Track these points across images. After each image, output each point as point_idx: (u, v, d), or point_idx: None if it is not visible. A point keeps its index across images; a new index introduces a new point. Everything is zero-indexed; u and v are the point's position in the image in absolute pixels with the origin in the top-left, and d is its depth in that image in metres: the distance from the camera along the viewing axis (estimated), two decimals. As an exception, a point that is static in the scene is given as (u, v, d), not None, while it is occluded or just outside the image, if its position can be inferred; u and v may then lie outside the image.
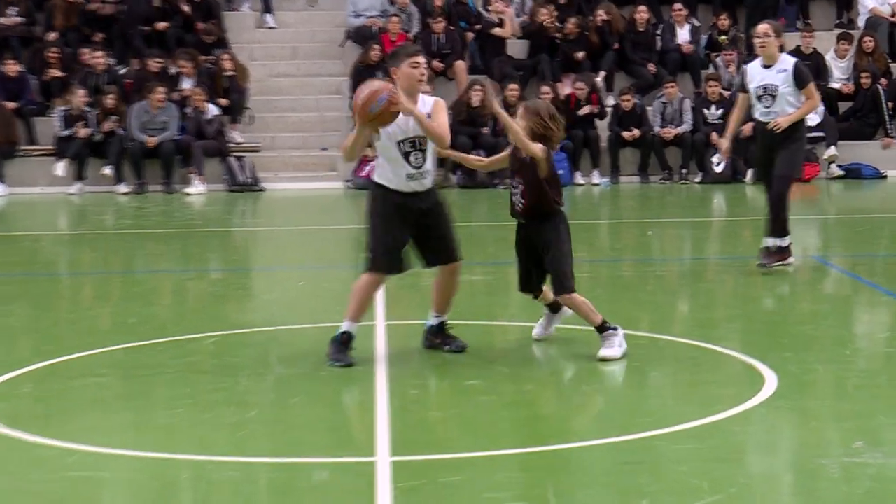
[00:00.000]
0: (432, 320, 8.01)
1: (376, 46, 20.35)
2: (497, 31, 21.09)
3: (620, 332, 7.69)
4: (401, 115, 7.50)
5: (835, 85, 20.22)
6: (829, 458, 5.80)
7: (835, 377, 7.39)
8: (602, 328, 7.68)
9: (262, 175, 19.51)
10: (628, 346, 7.65)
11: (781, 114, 10.24)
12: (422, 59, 7.67)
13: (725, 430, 6.24)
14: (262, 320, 9.29)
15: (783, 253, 10.47)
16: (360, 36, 21.25)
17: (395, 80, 7.63)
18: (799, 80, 10.27)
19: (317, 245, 13.99)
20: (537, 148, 7.51)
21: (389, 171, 7.66)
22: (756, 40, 10.44)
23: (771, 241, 10.49)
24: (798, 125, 10.39)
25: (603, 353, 7.62)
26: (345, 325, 7.68)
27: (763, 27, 10.39)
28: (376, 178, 7.75)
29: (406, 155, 7.61)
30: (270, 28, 22.47)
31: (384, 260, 7.70)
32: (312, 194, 18.92)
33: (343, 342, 7.65)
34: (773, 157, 10.28)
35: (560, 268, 7.65)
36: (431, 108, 7.62)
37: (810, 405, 6.77)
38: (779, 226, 10.42)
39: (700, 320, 9.38)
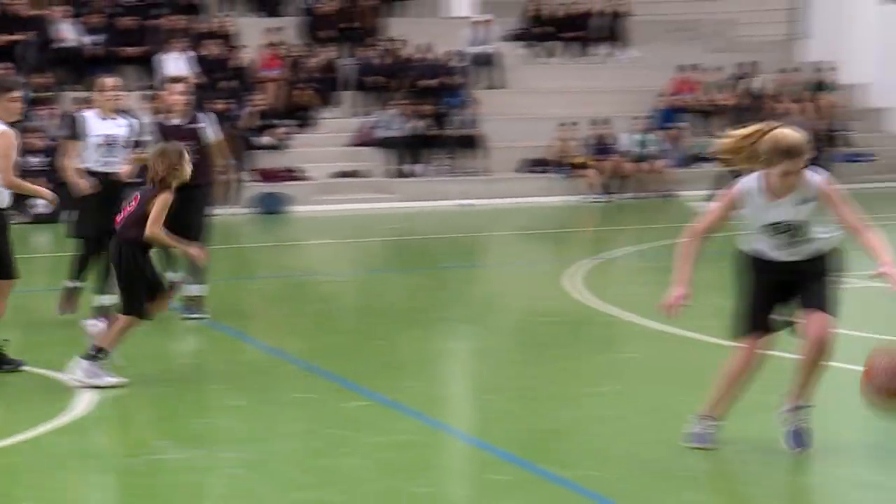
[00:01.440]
0: None
1: None
2: None
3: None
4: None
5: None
6: (139, 457, 6.68)
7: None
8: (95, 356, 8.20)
9: None
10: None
11: (121, 163, 10.87)
12: (20, 94, 9.04)
13: (48, 442, 6.93)
14: None
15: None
16: None
17: None
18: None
19: None
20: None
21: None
22: (107, 93, 10.94)
23: (108, 300, 10.69)
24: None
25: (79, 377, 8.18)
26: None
27: (115, 81, 11.12)
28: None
29: None
30: None
31: None
32: None
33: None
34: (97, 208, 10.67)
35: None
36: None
37: (125, 415, 7.62)
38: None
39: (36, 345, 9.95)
